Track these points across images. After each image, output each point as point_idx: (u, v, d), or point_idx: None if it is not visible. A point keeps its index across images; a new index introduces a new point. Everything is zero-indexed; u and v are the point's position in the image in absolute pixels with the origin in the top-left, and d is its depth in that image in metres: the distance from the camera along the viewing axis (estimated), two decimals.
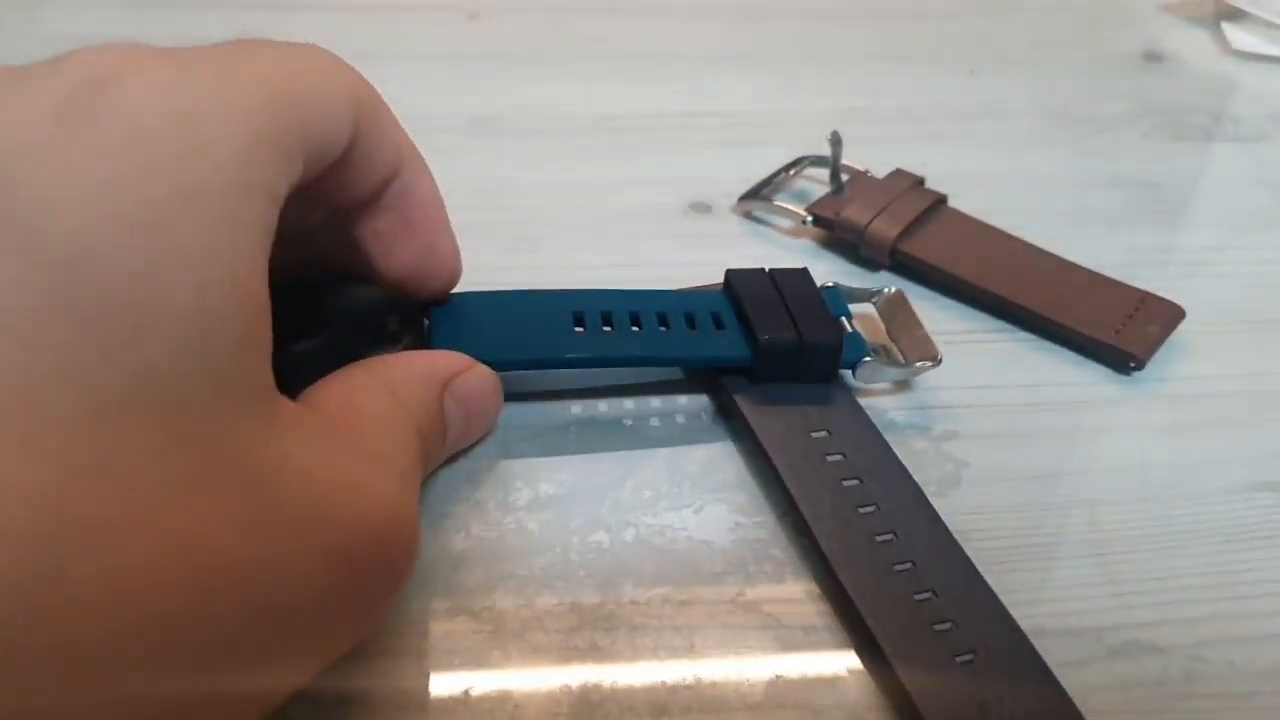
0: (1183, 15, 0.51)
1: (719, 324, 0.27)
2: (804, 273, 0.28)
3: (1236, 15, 0.49)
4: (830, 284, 0.29)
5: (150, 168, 0.15)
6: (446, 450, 0.24)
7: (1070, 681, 0.21)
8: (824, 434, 0.26)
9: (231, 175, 0.16)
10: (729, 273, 0.28)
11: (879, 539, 0.23)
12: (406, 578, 0.19)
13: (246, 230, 0.16)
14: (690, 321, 0.27)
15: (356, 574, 0.17)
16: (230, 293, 0.16)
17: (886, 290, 0.29)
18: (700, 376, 0.28)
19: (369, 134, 0.20)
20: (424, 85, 0.41)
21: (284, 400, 0.18)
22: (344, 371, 0.21)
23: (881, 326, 0.29)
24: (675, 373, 0.28)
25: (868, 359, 0.27)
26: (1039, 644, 0.22)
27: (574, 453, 0.26)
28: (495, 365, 0.24)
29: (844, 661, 0.22)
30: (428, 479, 0.24)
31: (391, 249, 0.23)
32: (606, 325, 0.26)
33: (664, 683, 0.21)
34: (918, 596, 0.22)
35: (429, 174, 0.23)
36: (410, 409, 0.21)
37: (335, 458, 0.18)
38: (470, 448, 0.26)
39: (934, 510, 0.24)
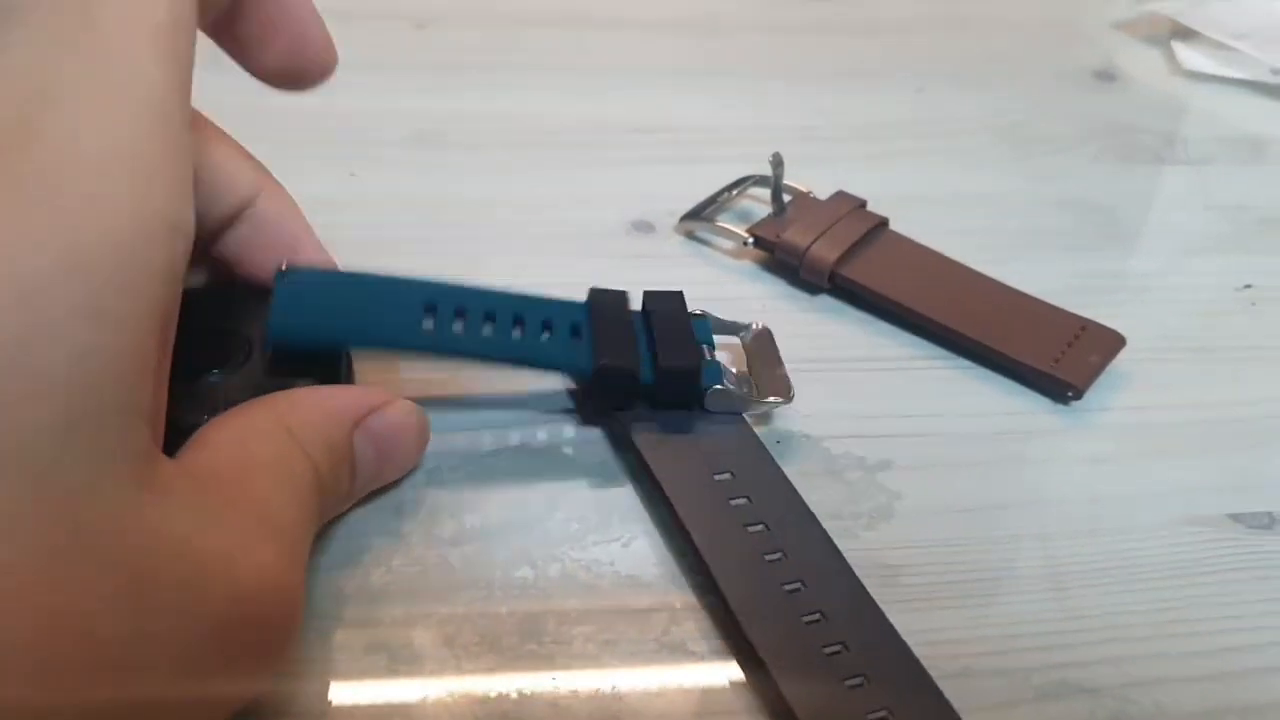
0: (1135, 34, 0.51)
1: (575, 334, 0.26)
2: (678, 296, 0.28)
3: (1188, 35, 0.49)
4: (699, 312, 0.28)
5: (46, 227, 0.15)
6: (358, 490, 0.23)
7: None
8: (727, 476, 0.25)
9: (131, 223, 0.15)
10: (592, 291, 0.27)
11: (786, 587, 0.23)
12: (292, 641, 0.18)
13: (143, 284, 0.15)
14: (546, 327, 0.26)
15: (235, 644, 0.17)
16: (109, 360, 0.15)
17: (754, 325, 0.29)
18: (600, 411, 0.27)
19: None
20: (367, 95, 0.40)
21: (162, 463, 0.17)
22: (243, 409, 0.20)
23: (744, 359, 0.29)
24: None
25: (717, 387, 0.26)
26: (966, 685, 0.21)
27: (503, 483, 0.26)
28: (335, 345, 0.24)
29: (769, 704, 0.21)
30: (348, 511, 0.24)
31: (262, 43, 0.22)
32: (459, 318, 0.25)
33: None
34: (827, 650, 0.22)
35: None
36: (308, 450, 0.20)
37: (214, 521, 0.17)
38: (398, 479, 0.25)
39: (842, 556, 0.24)
